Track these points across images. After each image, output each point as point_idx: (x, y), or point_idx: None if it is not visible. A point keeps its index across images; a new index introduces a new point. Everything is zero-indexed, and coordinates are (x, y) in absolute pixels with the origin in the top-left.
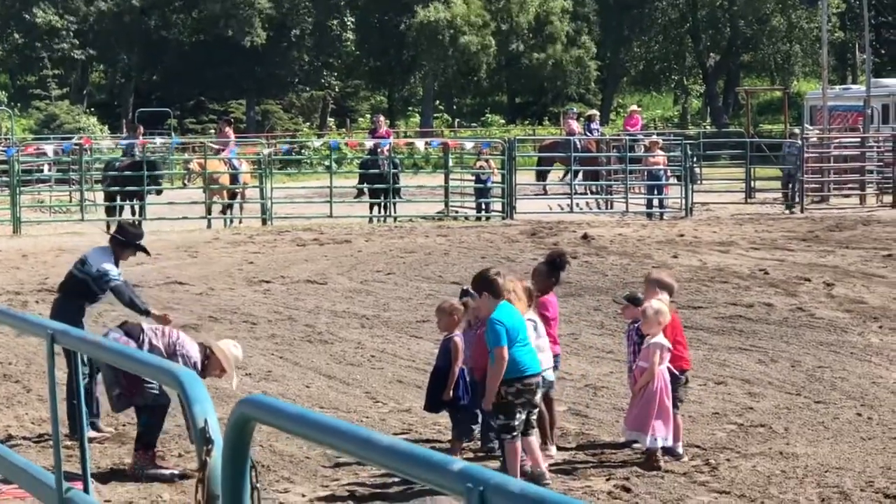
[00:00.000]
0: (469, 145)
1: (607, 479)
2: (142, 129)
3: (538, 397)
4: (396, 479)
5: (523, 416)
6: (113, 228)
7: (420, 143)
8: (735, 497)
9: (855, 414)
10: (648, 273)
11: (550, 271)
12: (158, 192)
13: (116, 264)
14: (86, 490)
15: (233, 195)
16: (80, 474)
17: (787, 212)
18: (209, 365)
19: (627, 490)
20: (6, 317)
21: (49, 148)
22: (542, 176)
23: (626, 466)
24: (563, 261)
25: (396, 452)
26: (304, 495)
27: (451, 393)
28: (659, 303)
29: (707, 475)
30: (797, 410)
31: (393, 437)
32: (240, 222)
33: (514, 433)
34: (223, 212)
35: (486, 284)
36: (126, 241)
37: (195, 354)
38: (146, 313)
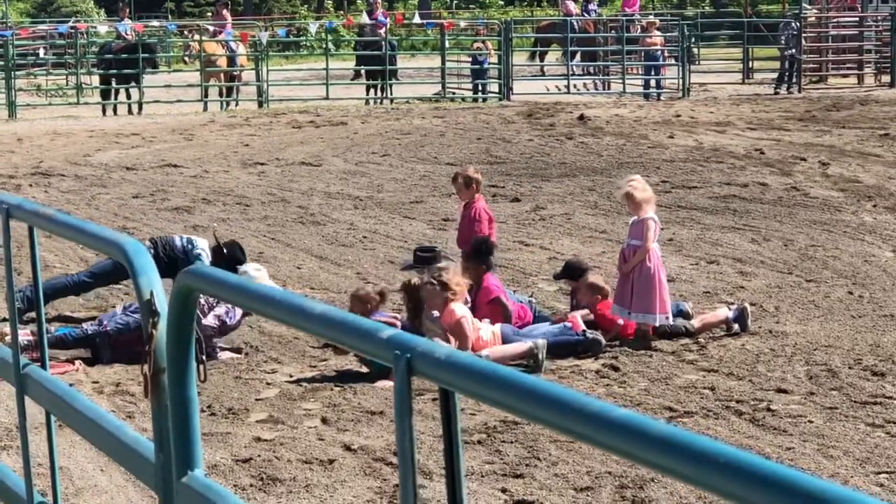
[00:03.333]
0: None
1: (596, 359)
2: (126, 12)
3: None
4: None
5: None
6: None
7: (417, 18)
8: (723, 375)
9: (846, 292)
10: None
11: (479, 261)
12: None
13: None
14: (43, 367)
15: (230, 78)
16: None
17: (775, 92)
18: None
19: (616, 369)
20: None
21: (45, 31)
22: (538, 56)
23: (615, 346)
24: (489, 247)
25: (328, 320)
26: (291, 375)
27: None
28: (635, 182)
29: (695, 354)
30: (788, 289)
31: (326, 305)
32: (236, 105)
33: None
34: (223, 95)
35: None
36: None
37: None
38: None
